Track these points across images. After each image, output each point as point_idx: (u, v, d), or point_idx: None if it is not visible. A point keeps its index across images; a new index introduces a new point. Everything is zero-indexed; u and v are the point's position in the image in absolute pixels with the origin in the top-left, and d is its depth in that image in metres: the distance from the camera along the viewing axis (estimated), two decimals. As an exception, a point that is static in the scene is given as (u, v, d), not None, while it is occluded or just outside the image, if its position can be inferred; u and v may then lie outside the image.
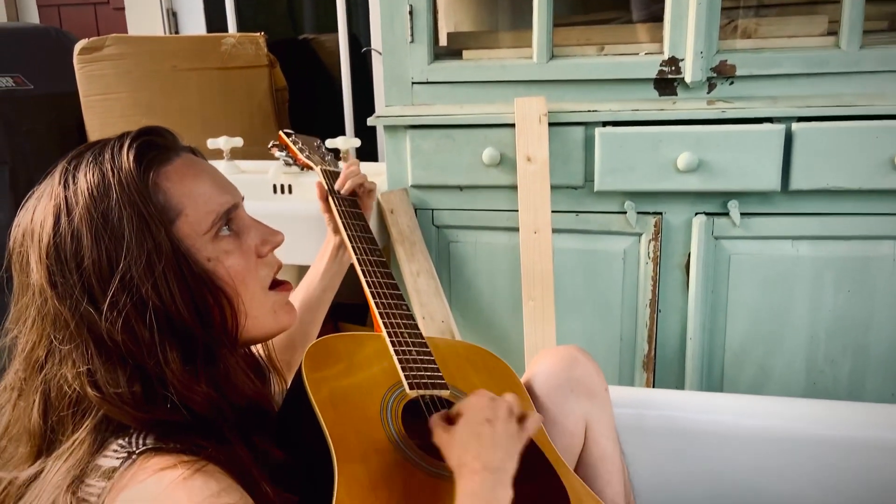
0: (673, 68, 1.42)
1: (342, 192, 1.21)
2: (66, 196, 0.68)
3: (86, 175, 0.69)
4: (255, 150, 1.95)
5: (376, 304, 1.00)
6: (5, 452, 0.71)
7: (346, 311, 2.07)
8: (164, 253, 0.68)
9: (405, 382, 0.89)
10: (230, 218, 0.75)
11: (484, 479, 0.70)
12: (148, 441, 0.65)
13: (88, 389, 0.65)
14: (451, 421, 0.78)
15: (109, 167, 0.69)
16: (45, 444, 0.68)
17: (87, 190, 0.68)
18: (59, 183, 0.69)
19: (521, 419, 0.79)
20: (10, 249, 0.71)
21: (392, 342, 0.94)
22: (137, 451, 0.64)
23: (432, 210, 1.57)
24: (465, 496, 0.69)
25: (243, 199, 0.79)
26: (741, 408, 1.08)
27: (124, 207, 0.67)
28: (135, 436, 0.66)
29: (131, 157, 0.69)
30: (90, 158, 0.70)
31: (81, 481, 0.63)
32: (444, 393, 0.90)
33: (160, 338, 0.67)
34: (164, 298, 0.67)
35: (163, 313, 0.67)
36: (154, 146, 0.73)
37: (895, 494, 1.04)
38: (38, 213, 0.69)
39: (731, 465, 1.07)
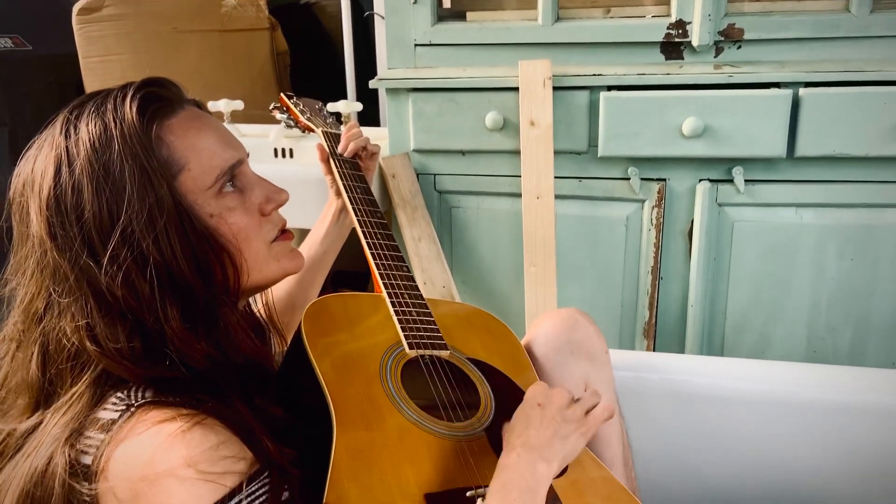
0: (680, 31, 1.40)
1: (344, 154, 1.20)
2: (66, 146, 0.67)
3: (87, 125, 0.67)
4: (256, 113, 1.94)
5: (377, 265, 1.00)
6: (4, 403, 0.71)
7: (346, 278, 2.07)
8: (166, 208, 0.67)
9: (405, 342, 0.89)
10: (234, 174, 0.74)
11: (520, 455, 0.70)
12: (146, 394, 0.65)
13: (87, 343, 0.65)
14: None
15: (112, 118, 0.67)
16: (43, 396, 0.68)
17: (89, 141, 0.66)
18: (61, 133, 0.68)
19: (588, 410, 0.79)
20: (10, 199, 0.70)
21: (392, 302, 0.94)
22: (136, 405, 0.64)
23: (434, 175, 1.56)
24: (500, 468, 0.70)
25: (248, 155, 0.78)
26: (741, 371, 1.08)
27: (126, 160, 0.66)
28: (133, 389, 0.66)
29: (134, 109, 0.68)
30: (92, 109, 0.69)
31: (80, 434, 0.63)
32: (444, 353, 0.90)
33: (160, 294, 0.66)
34: (164, 254, 0.66)
35: (163, 269, 0.66)
36: (158, 98, 0.71)
37: (894, 459, 1.04)
38: (38, 163, 0.68)
39: (729, 429, 1.07)
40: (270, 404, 0.74)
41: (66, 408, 0.65)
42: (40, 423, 0.66)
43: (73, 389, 0.66)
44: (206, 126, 0.73)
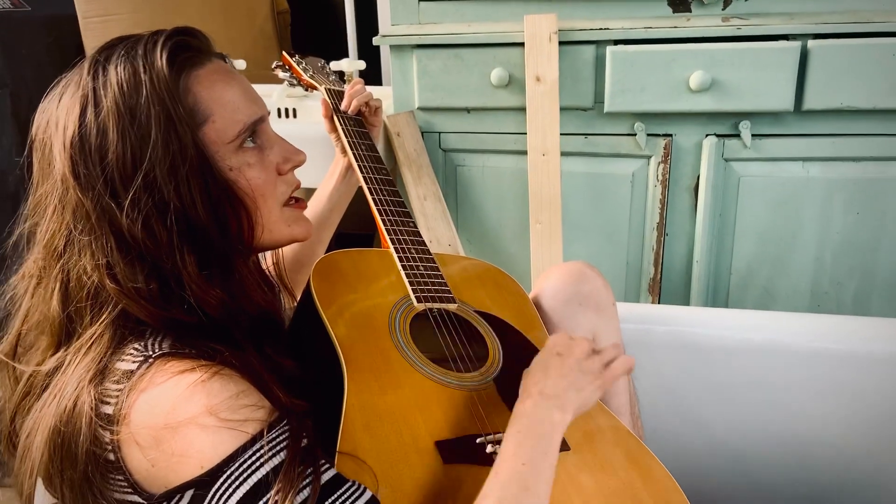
0: (687, -17, 1.38)
1: (348, 111, 1.19)
2: (94, 87, 0.67)
3: (116, 69, 0.67)
4: (257, 73, 1.91)
5: (383, 220, 1.00)
6: (26, 340, 0.72)
7: (351, 241, 2.07)
8: (189, 157, 0.67)
9: (412, 296, 0.89)
10: (255, 130, 0.75)
11: (536, 403, 0.71)
12: (164, 346, 0.66)
13: (107, 281, 0.66)
14: None
15: (141, 63, 0.67)
16: (63, 334, 0.69)
17: (118, 84, 0.66)
18: (89, 73, 0.68)
19: (607, 362, 0.79)
20: (33, 135, 0.70)
21: (399, 257, 0.94)
22: (154, 356, 0.65)
23: (439, 133, 1.55)
24: (516, 415, 0.71)
25: (269, 113, 0.78)
26: (746, 322, 1.09)
27: (153, 106, 0.66)
28: (150, 340, 0.67)
29: (164, 56, 0.68)
30: (122, 52, 0.68)
31: (103, 378, 0.64)
32: (452, 306, 0.91)
33: (178, 240, 0.67)
34: (185, 202, 0.67)
35: (182, 216, 0.67)
36: (188, 47, 0.71)
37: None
38: (64, 101, 0.68)
39: (734, 379, 1.08)
40: (280, 355, 0.75)
41: (87, 348, 0.66)
42: (63, 363, 0.67)
43: (93, 329, 0.67)
44: (232, 80, 0.74)
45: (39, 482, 0.68)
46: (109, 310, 0.67)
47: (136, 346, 0.66)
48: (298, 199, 0.82)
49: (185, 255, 0.67)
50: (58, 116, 0.68)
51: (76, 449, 0.63)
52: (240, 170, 0.72)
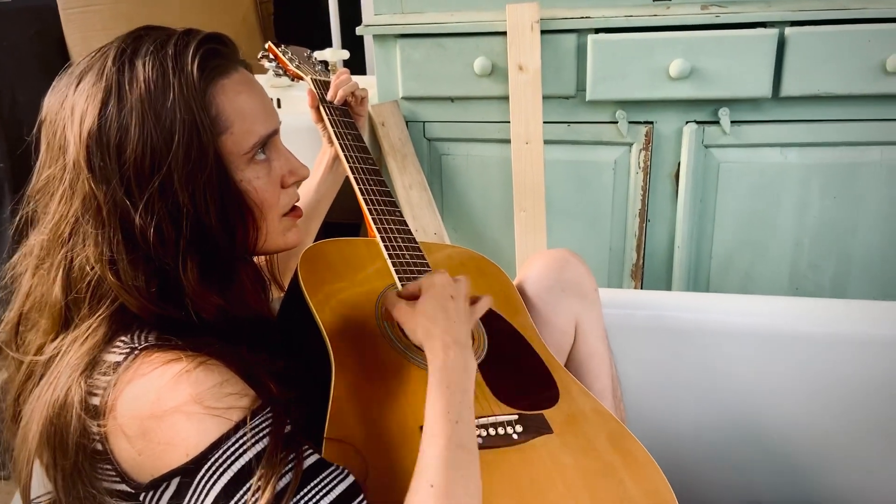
0: (667, -28, 1.39)
1: (335, 101, 1.20)
2: (119, 80, 0.66)
3: (145, 66, 0.66)
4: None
5: (369, 210, 1.01)
6: (28, 320, 0.73)
7: (338, 230, 2.08)
8: (209, 165, 0.67)
9: (398, 283, 0.91)
10: (266, 143, 0.75)
11: (457, 353, 0.72)
12: (150, 338, 0.67)
13: (109, 276, 0.66)
14: (407, 297, 0.80)
15: (172, 66, 0.66)
16: (63, 320, 0.69)
17: (145, 82, 0.65)
18: (114, 64, 0.66)
19: (473, 301, 0.81)
20: (44, 114, 0.69)
21: (385, 245, 0.95)
22: (140, 347, 0.65)
23: (423, 122, 1.57)
24: (440, 370, 0.71)
25: (280, 123, 0.79)
26: (725, 306, 1.11)
27: (179, 111, 0.65)
28: (137, 332, 0.67)
29: (196, 62, 0.67)
30: (151, 49, 0.67)
31: (93, 369, 0.65)
32: (438, 294, 0.92)
33: (186, 245, 0.68)
34: (199, 209, 0.67)
35: (195, 222, 0.68)
36: (218, 55, 0.71)
37: (877, 387, 1.08)
38: (84, 87, 0.67)
39: (715, 361, 1.11)
40: (273, 355, 0.76)
41: (82, 340, 0.67)
42: (60, 352, 0.68)
43: (90, 321, 0.67)
44: (253, 92, 0.74)
45: (38, 470, 0.69)
46: (108, 304, 0.67)
47: (124, 338, 0.67)
48: (295, 207, 0.83)
49: (188, 261, 0.67)
50: (74, 101, 0.67)
51: (67, 439, 0.64)
52: (250, 181, 0.72)
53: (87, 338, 0.66)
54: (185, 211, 0.67)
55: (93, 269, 0.67)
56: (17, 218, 0.72)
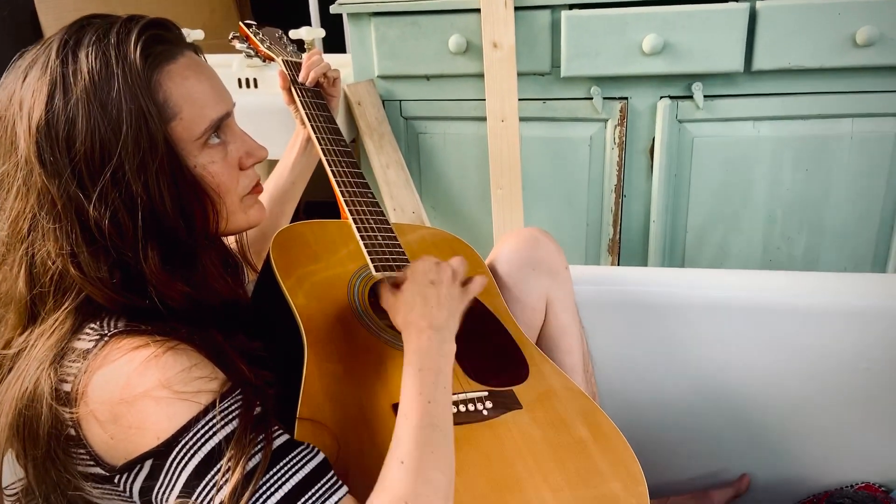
0: (639, -54, 1.39)
1: (307, 82, 1.20)
2: (63, 73, 0.65)
3: (87, 57, 0.66)
4: (216, 43, 1.90)
5: (342, 192, 1.02)
6: None
7: (318, 208, 2.08)
8: (159, 153, 0.67)
9: (371, 265, 0.92)
10: (220, 126, 0.75)
11: (431, 337, 0.74)
12: (119, 324, 0.68)
13: (70, 269, 0.67)
14: (398, 286, 0.82)
15: (114, 55, 0.66)
16: (28, 315, 0.70)
17: (88, 73, 0.65)
18: (57, 56, 0.66)
19: (465, 283, 0.83)
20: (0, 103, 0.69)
21: (358, 228, 0.96)
22: (109, 334, 0.66)
23: (400, 101, 1.57)
24: (414, 353, 0.73)
25: (234, 105, 0.78)
26: (695, 280, 1.13)
27: (125, 101, 0.65)
28: (106, 319, 0.68)
29: (139, 50, 0.67)
30: (93, 39, 0.67)
31: (62, 358, 0.66)
32: (410, 274, 0.93)
33: (144, 234, 0.68)
34: (152, 197, 0.67)
35: (150, 211, 0.68)
36: (161, 40, 0.70)
37: (846, 358, 1.11)
38: (30, 81, 0.67)
39: (686, 336, 1.13)
40: (246, 338, 0.77)
41: (49, 332, 0.67)
42: (27, 346, 0.69)
43: (56, 315, 0.68)
44: (202, 75, 0.73)
45: (9, 457, 0.70)
46: (73, 296, 0.68)
47: (93, 325, 0.67)
48: (256, 185, 0.83)
49: (148, 250, 0.68)
50: (22, 96, 0.67)
51: (38, 430, 0.65)
52: (205, 166, 0.72)
53: (53, 331, 0.67)
54: (139, 200, 0.67)
55: (54, 263, 0.67)
56: None
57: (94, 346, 0.65)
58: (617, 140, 1.49)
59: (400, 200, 1.53)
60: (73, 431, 0.65)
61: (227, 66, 1.76)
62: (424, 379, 0.70)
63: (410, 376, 0.71)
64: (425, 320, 0.75)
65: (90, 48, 0.66)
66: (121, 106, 0.65)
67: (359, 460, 0.72)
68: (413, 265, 0.82)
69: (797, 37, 1.33)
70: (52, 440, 0.65)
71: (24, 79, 0.67)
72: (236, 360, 0.70)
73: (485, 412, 0.81)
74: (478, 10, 1.43)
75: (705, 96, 1.42)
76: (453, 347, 0.75)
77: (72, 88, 0.65)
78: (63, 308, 0.68)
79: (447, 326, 0.75)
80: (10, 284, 0.70)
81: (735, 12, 1.33)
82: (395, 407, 0.77)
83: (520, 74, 1.46)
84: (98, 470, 0.66)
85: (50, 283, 0.68)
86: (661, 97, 1.44)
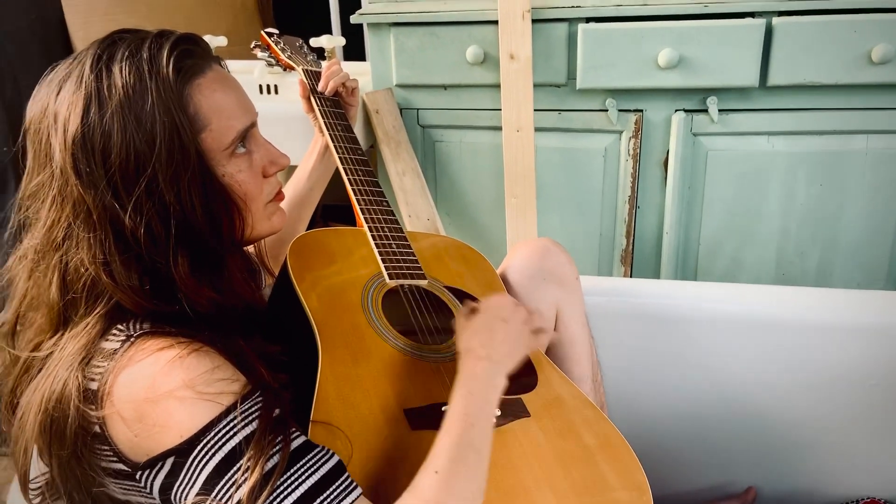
0: (657, -39, 1.40)
1: (326, 92, 1.23)
2: (97, 87, 0.68)
3: (122, 71, 0.69)
4: (239, 49, 1.94)
5: (358, 200, 1.04)
6: (26, 319, 0.76)
7: (333, 212, 2.11)
8: (191, 164, 0.70)
9: (385, 273, 0.94)
10: (245, 136, 0.78)
11: (486, 368, 0.76)
12: (145, 326, 0.71)
13: (103, 276, 0.69)
14: (475, 312, 0.84)
15: (147, 69, 0.69)
16: (61, 320, 0.73)
17: (123, 88, 0.68)
18: (92, 71, 0.69)
19: (537, 332, 0.85)
20: (28, 123, 0.71)
21: (373, 235, 0.99)
22: (135, 335, 0.69)
23: (417, 110, 1.59)
24: (467, 377, 0.76)
25: (257, 116, 0.81)
26: (705, 293, 1.14)
27: (159, 114, 0.68)
28: (132, 321, 0.71)
29: (171, 64, 0.70)
30: (126, 53, 0.70)
31: (90, 360, 0.69)
32: (423, 283, 0.95)
33: (175, 242, 0.71)
34: (185, 207, 0.70)
35: (181, 220, 0.71)
36: (191, 55, 0.73)
37: (855, 375, 1.11)
38: (64, 95, 0.69)
39: (694, 348, 1.14)
40: (266, 342, 0.80)
41: (80, 335, 0.70)
42: (57, 348, 0.71)
43: (87, 320, 0.70)
44: (229, 88, 0.76)
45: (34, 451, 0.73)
46: (104, 302, 0.70)
47: (119, 326, 0.70)
48: (278, 192, 0.86)
49: (179, 257, 0.71)
50: (57, 110, 0.69)
51: (65, 429, 0.68)
52: (232, 175, 0.75)
53: (83, 334, 0.70)
54: (171, 209, 0.70)
55: (87, 270, 0.70)
56: (10, 224, 0.75)
57: (121, 347, 0.68)
58: (631, 152, 1.50)
59: (415, 208, 1.55)
60: (98, 429, 0.68)
61: (249, 72, 1.79)
62: (472, 403, 0.73)
63: (460, 397, 0.73)
64: (485, 350, 0.77)
65: (123, 63, 0.69)
66: (155, 119, 0.68)
67: (370, 464, 0.73)
68: (492, 298, 0.85)
69: (813, 53, 1.34)
70: (78, 439, 0.68)
71: (59, 92, 0.70)
72: (256, 364, 0.72)
73: (493, 420, 0.82)
74: (495, 22, 1.45)
75: (720, 110, 1.43)
76: (503, 382, 0.77)
77: (107, 102, 0.68)
78: (94, 313, 0.70)
79: (503, 362, 0.78)
80: (43, 290, 0.72)
81: (751, 28, 1.34)
82: (407, 412, 0.79)
83: (536, 85, 1.48)
84: (121, 466, 0.68)
85: (82, 290, 0.70)
86: (676, 110, 1.45)
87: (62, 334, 0.72)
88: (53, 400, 0.68)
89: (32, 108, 0.72)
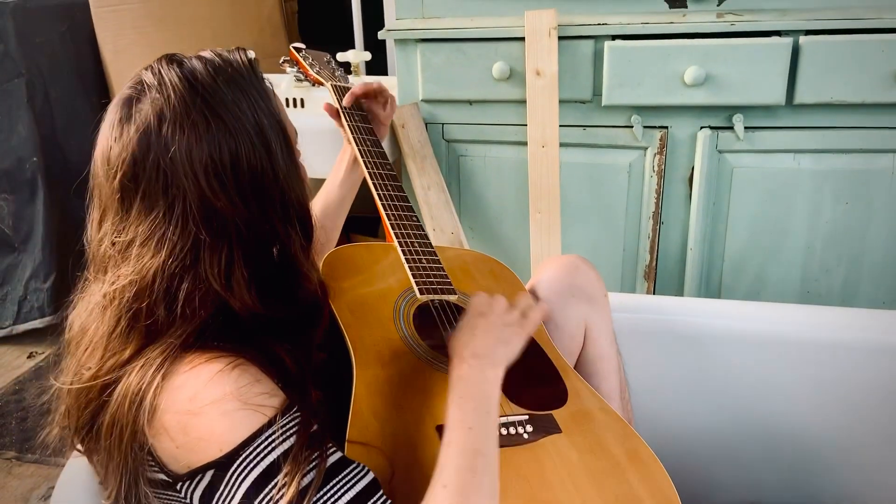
0: (683, -20, 1.41)
1: (343, 103, 1.24)
2: (209, 108, 0.70)
3: (225, 91, 0.71)
4: (265, 62, 1.96)
5: (388, 215, 1.06)
6: (110, 345, 0.73)
7: (357, 223, 2.12)
8: (296, 164, 0.77)
9: (415, 288, 0.95)
10: None
11: (471, 365, 0.76)
12: (190, 339, 0.72)
13: (221, 293, 0.71)
14: None
15: (247, 86, 0.72)
16: (149, 335, 0.71)
17: (234, 103, 0.71)
18: (196, 94, 0.70)
19: (525, 313, 0.85)
20: (128, 164, 0.69)
21: (403, 251, 1.00)
22: (182, 347, 0.70)
23: (442, 124, 1.60)
24: (455, 381, 0.76)
25: None
26: (732, 311, 1.14)
27: (271, 129, 0.73)
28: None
29: (263, 81, 0.74)
30: (220, 71, 0.72)
31: (158, 372, 0.69)
32: (452, 297, 0.96)
33: (292, 242, 0.76)
34: (288, 213, 0.75)
35: (285, 228, 0.75)
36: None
37: (882, 395, 1.11)
38: (172, 126, 0.69)
39: (722, 366, 1.14)
40: (317, 345, 0.81)
41: (164, 344, 0.70)
42: (135, 366, 0.70)
43: (173, 330, 0.70)
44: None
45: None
46: (196, 320, 0.71)
47: (170, 339, 0.71)
48: None
49: (298, 253, 0.77)
50: (167, 141, 0.68)
51: (122, 437, 0.69)
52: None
53: (168, 343, 0.70)
54: (291, 211, 0.75)
55: (204, 284, 0.70)
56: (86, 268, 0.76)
57: (166, 360, 0.69)
58: (656, 168, 1.51)
59: (440, 221, 1.57)
60: (145, 440, 0.69)
61: (276, 85, 1.79)
62: (464, 406, 0.73)
63: (451, 403, 0.74)
64: (467, 349, 0.78)
65: (228, 88, 0.71)
66: (265, 128, 0.73)
67: (404, 481, 0.74)
68: (471, 299, 0.85)
69: (840, 72, 1.34)
70: (130, 450, 0.69)
71: (160, 125, 0.69)
72: (301, 377, 0.73)
73: (525, 435, 0.83)
74: (522, 39, 1.47)
75: (746, 128, 1.43)
76: (498, 373, 0.77)
77: (222, 120, 0.70)
78: (183, 328, 0.70)
79: (488, 356, 0.78)
80: (148, 311, 0.71)
81: (778, 46, 1.34)
82: (439, 428, 0.80)
83: (561, 101, 1.49)
84: (162, 476, 0.69)
85: (184, 308, 0.70)
86: (702, 127, 1.46)
87: (145, 354, 0.71)
88: (124, 407, 0.68)
89: (137, 142, 0.69)
